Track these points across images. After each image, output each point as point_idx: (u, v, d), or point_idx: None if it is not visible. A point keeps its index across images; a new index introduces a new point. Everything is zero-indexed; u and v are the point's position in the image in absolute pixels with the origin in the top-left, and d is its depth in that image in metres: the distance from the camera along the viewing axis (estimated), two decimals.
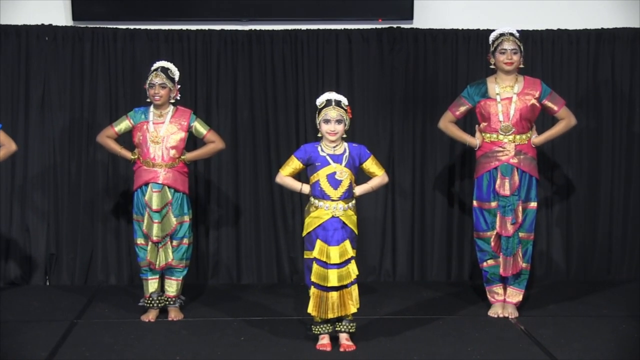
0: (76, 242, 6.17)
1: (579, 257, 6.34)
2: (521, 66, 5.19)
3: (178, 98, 5.24)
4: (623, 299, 5.75)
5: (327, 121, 4.54)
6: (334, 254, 4.50)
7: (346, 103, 4.59)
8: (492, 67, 5.23)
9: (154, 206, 5.12)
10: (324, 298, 4.54)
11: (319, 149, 4.59)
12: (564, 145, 6.26)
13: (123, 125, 5.25)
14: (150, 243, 5.15)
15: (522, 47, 5.17)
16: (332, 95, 4.59)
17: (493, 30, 5.32)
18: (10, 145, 5.31)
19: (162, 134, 5.15)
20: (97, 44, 6.12)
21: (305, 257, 4.66)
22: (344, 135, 4.60)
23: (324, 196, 4.55)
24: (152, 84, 5.11)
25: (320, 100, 4.61)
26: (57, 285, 6.12)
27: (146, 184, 5.14)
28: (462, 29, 6.23)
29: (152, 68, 5.17)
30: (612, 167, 6.30)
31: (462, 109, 5.29)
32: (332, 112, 4.54)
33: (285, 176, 4.68)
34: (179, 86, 5.23)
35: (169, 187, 5.15)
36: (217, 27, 6.19)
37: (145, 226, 5.14)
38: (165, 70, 5.14)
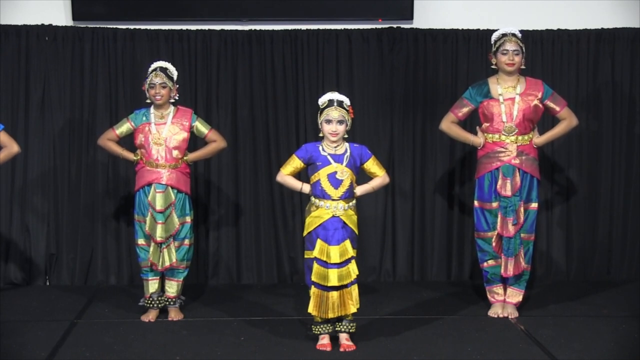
0: (76, 242, 6.17)
1: (579, 257, 6.35)
2: (522, 67, 5.19)
3: (177, 98, 5.24)
4: (623, 299, 5.75)
5: (328, 121, 4.54)
6: (334, 253, 4.51)
7: (348, 103, 4.59)
8: (493, 67, 5.23)
9: (158, 207, 5.11)
10: (324, 298, 4.54)
11: (320, 148, 4.59)
12: (565, 146, 6.27)
13: (124, 128, 5.24)
14: (152, 244, 5.15)
15: (524, 48, 5.16)
16: (334, 96, 4.59)
17: (493, 31, 5.32)
18: (12, 147, 5.31)
19: (165, 134, 5.15)
20: (97, 44, 6.12)
21: (305, 256, 4.66)
22: (346, 136, 4.60)
23: (324, 196, 4.55)
24: (152, 84, 5.11)
25: (323, 100, 4.61)
26: (57, 285, 6.12)
27: (149, 185, 5.14)
28: (462, 29, 6.23)
29: (151, 69, 5.17)
30: (612, 167, 6.30)
31: (465, 110, 5.28)
32: (334, 112, 4.54)
33: (286, 175, 4.67)
34: (177, 86, 5.23)
35: (172, 188, 5.15)
36: (217, 27, 6.19)
37: (147, 227, 5.13)
38: (164, 69, 5.14)
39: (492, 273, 5.28)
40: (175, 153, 5.16)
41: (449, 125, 5.34)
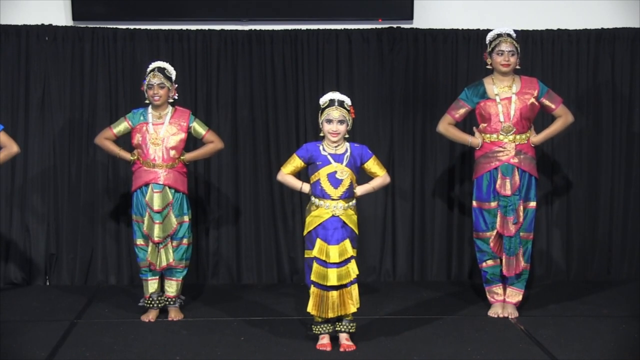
0: (76, 242, 6.17)
1: (579, 257, 6.35)
2: (517, 67, 5.20)
3: (176, 97, 5.24)
4: (623, 299, 5.75)
5: (329, 121, 4.54)
6: (334, 253, 4.51)
7: (349, 103, 4.59)
8: (488, 67, 5.24)
9: (156, 207, 5.11)
10: (324, 297, 4.54)
11: (321, 148, 4.60)
12: (564, 145, 6.27)
13: (122, 127, 5.24)
14: (150, 244, 5.15)
15: (519, 48, 5.17)
16: (335, 95, 4.59)
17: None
18: (12, 147, 5.30)
19: (162, 135, 5.15)
20: (97, 44, 6.12)
21: (305, 256, 4.66)
22: (346, 135, 4.60)
23: (324, 195, 4.55)
24: (150, 84, 5.11)
25: (323, 100, 4.61)
26: (57, 285, 6.12)
27: (146, 185, 5.14)
28: (462, 29, 6.23)
29: (149, 69, 5.17)
30: (612, 167, 6.30)
31: (462, 111, 5.29)
32: (335, 112, 4.54)
33: (286, 174, 4.68)
34: (176, 85, 5.23)
35: (169, 188, 5.15)
36: (217, 27, 6.19)
37: (145, 227, 5.13)
38: (162, 70, 5.14)
39: (492, 273, 5.28)
40: (172, 153, 5.16)
41: (446, 126, 5.34)
